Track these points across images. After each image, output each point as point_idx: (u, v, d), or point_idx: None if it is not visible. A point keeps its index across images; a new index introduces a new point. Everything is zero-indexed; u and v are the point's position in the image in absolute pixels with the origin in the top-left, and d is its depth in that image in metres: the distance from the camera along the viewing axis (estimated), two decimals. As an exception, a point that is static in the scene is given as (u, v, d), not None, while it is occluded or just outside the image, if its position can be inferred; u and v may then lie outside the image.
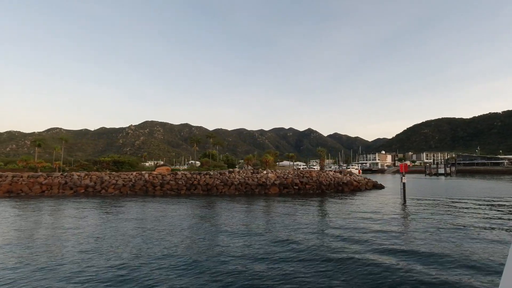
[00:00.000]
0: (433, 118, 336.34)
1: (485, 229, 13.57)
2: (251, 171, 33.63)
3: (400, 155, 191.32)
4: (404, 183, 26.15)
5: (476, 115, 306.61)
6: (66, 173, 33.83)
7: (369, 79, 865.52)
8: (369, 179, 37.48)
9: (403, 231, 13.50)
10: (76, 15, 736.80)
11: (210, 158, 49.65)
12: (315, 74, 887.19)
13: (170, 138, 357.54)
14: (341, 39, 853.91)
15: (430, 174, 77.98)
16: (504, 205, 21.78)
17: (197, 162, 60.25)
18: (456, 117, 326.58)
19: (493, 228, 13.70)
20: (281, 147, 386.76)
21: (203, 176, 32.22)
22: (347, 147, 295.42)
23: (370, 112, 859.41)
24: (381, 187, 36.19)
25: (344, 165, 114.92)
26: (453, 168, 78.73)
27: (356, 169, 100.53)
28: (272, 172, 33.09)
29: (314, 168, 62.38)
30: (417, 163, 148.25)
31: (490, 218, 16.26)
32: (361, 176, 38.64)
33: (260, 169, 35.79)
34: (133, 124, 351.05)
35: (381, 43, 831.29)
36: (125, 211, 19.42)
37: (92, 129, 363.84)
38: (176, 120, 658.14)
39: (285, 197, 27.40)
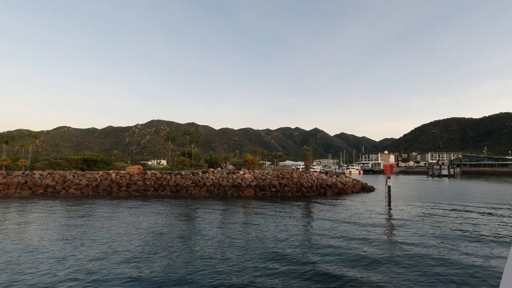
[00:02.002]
0: (441, 118, 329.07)
1: (476, 241, 11.13)
2: (227, 171, 31.25)
3: (404, 155, 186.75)
4: (389, 186, 23.42)
5: (487, 115, 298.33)
6: (27, 171, 32.04)
7: (376, 78, 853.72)
8: (358, 180, 34.66)
9: (375, 243, 11.24)
10: (83, 14, 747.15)
11: (186, 157, 47.35)
12: (321, 73, 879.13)
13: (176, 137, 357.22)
14: (348, 37, 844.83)
15: (433, 176, 74.11)
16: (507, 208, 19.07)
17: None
18: (466, 116, 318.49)
19: (485, 241, 11.23)
20: (287, 146, 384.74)
21: (173, 176, 29.96)
22: (353, 147, 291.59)
23: (378, 111, 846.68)
24: (370, 189, 33.42)
25: (345, 165, 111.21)
26: (458, 169, 75.02)
27: (357, 169, 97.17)
28: (249, 172, 30.66)
29: (315, 169, 59.88)
30: (422, 163, 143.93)
31: (487, 228, 13.51)
32: (350, 177, 35.84)
33: (243, 169, 33.46)
34: (139, 123, 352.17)
35: (388, 41, 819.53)
36: (70, 215, 17.27)
37: (100, 128, 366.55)
38: (182, 119, 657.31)
39: (260, 200, 24.96)
